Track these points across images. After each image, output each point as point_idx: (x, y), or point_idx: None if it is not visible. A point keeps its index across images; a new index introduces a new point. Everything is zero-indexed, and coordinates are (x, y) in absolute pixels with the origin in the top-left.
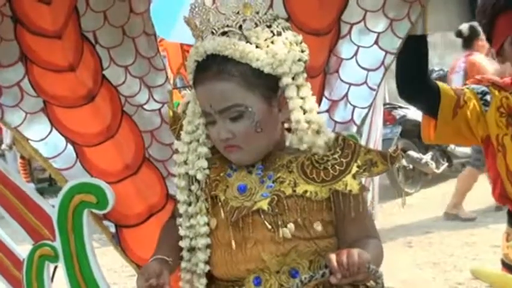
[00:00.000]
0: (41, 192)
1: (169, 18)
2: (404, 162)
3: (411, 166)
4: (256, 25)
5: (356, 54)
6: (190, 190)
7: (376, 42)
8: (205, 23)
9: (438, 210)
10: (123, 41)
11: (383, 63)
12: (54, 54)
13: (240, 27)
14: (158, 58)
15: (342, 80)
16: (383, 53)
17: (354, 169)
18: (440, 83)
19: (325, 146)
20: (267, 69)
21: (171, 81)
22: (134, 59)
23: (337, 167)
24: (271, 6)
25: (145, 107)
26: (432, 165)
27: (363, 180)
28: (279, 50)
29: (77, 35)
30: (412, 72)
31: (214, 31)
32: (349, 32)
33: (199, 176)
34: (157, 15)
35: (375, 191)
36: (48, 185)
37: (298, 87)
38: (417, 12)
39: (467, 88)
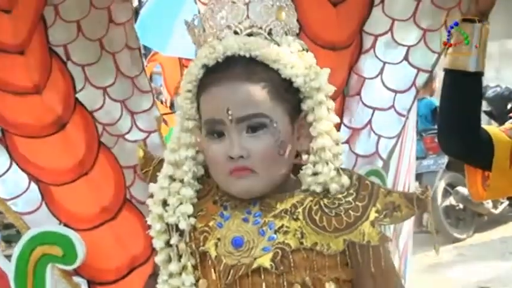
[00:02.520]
0: (8, 240)
1: (163, 30)
2: (452, 200)
3: (461, 205)
4: (286, 34)
5: (381, 72)
6: (169, 244)
7: (406, 58)
8: (229, 19)
9: (498, 260)
10: (101, 57)
11: (414, 83)
12: (15, 73)
13: (270, 32)
14: (144, 78)
15: (364, 104)
16: (415, 70)
17: (373, 215)
18: (489, 128)
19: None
20: (299, 81)
21: (168, 103)
22: (115, 79)
23: (352, 213)
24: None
25: (127, 137)
26: (489, 204)
27: (391, 228)
28: (313, 62)
29: (44, 49)
30: (461, 124)
31: (238, 30)
32: (373, 45)
33: (182, 225)
34: (150, 26)
35: (406, 236)
36: (17, 232)
37: (328, 110)
38: (456, 20)
39: None
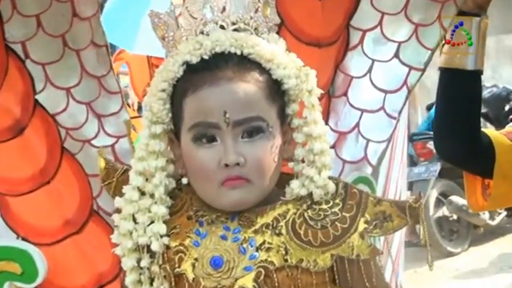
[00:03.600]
0: None
1: (130, 25)
2: (445, 210)
3: (455, 216)
4: (269, 31)
5: (370, 70)
6: (139, 266)
7: (396, 55)
8: (215, 12)
9: (496, 276)
10: (63, 54)
11: (405, 82)
12: None
13: (256, 28)
14: (112, 77)
15: (352, 105)
16: (406, 68)
17: (362, 226)
18: (489, 131)
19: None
20: (291, 83)
21: (135, 106)
22: (79, 79)
23: (339, 225)
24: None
25: (94, 142)
26: (485, 214)
27: (381, 239)
28: (301, 63)
29: None
30: (459, 128)
31: (225, 25)
32: (361, 41)
33: (155, 247)
34: (115, 21)
35: (397, 248)
36: None
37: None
38: (452, 14)
39: None
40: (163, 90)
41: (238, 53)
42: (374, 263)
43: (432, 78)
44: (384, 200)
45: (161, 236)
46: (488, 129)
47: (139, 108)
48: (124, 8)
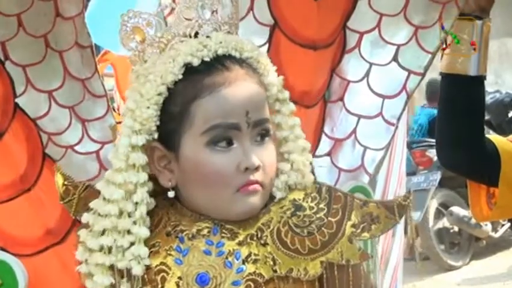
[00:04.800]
0: None
1: (116, 25)
2: (446, 222)
3: (456, 228)
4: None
5: (367, 74)
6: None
7: (395, 59)
8: (220, 13)
9: None
10: (46, 56)
11: (404, 87)
12: None
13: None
14: (97, 80)
15: (348, 111)
16: (405, 72)
17: (349, 230)
18: (494, 137)
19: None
20: (273, 91)
21: (120, 109)
22: (62, 82)
23: (325, 230)
24: (252, 7)
25: (77, 148)
26: (487, 226)
27: (378, 253)
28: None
29: None
30: (463, 135)
31: (219, 27)
32: (358, 44)
33: (137, 271)
34: (100, 21)
35: (395, 263)
36: None
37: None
38: (453, 16)
39: None
40: (159, 94)
41: (238, 56)
42: (364, 269)
43: None
44: (370, 201)
45: (142, 259)
46: (493, 135)
47: None
48: (109, 6)
